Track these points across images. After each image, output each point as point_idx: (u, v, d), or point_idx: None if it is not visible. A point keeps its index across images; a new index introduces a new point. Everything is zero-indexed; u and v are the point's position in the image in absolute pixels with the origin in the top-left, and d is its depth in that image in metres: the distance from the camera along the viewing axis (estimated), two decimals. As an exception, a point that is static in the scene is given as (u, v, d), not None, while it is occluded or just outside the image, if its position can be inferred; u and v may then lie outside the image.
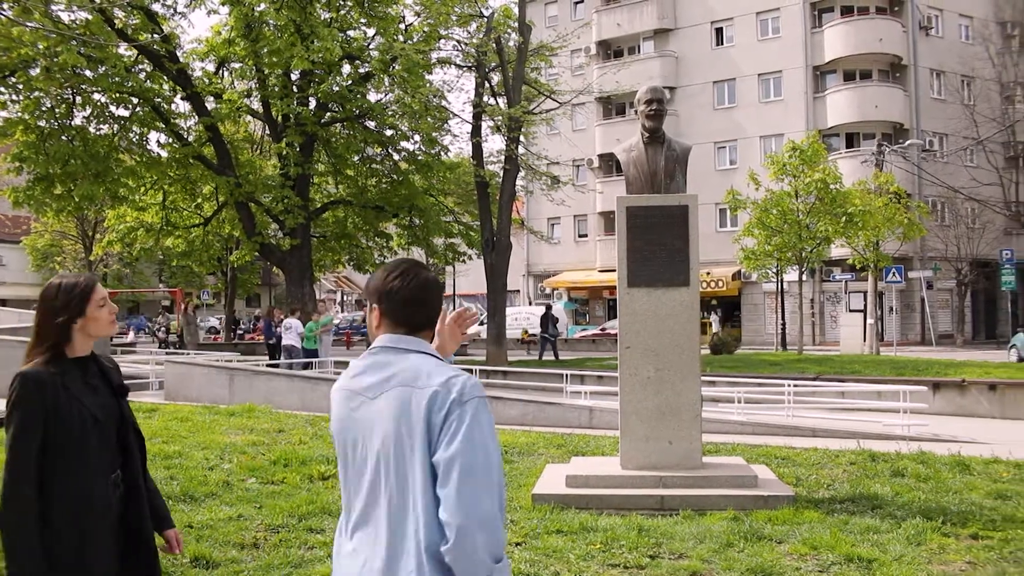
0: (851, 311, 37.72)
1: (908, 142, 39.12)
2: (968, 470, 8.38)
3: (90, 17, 20.80)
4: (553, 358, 28.40)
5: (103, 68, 22.11)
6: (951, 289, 43.56)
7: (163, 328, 41.63)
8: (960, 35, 46.37)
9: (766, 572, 5.47)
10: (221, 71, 26.49)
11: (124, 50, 23.13)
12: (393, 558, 2.28)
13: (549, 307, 32.04)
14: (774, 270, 33.03)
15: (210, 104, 25.35)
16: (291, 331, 20.93)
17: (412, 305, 2.48)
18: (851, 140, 44.18)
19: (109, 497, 3.02)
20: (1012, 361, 27.39)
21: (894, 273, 30.78)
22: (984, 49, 44.30)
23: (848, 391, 16.51)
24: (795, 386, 15.68)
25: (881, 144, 37.34)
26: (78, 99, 23.63)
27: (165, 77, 24.09)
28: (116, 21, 22.34)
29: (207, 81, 25.35)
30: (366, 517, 2.38)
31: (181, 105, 26.14)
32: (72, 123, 23.97)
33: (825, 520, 6.62)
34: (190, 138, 25.89)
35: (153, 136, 26.39)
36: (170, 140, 25.56)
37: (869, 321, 32.53)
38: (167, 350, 31.40)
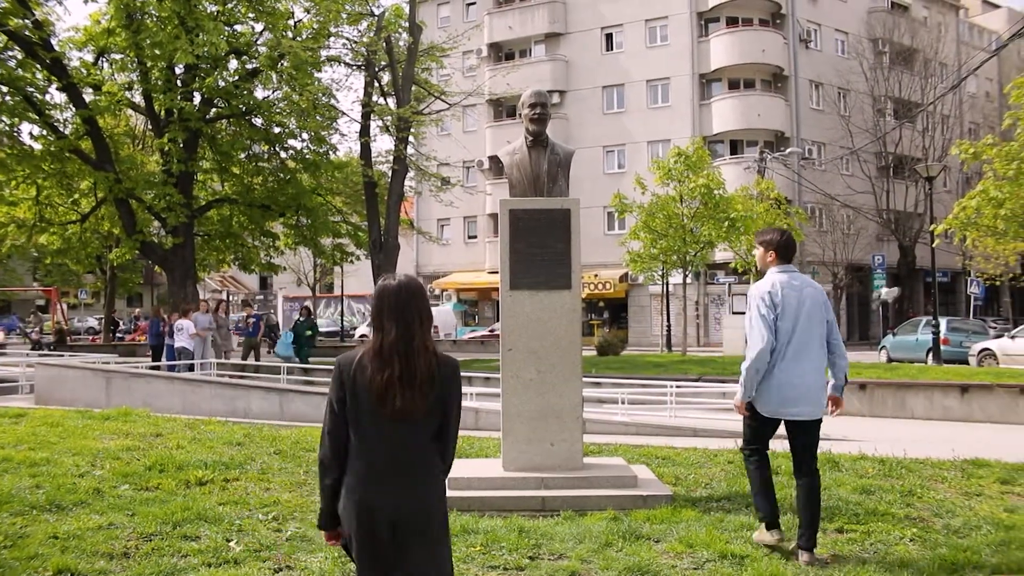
0: (734, 313, 38.66)
1: (789, 150, 40.55)
2: (837, 467, 8.68)
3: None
4: None
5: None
6: (828, 292, 45.02)
7: (36, 328, 39.90)
8: (837, 49, 48.31)
9: (643, 571, 5.55)
10: (100, 62, 25.56)
11: (-10, 35, 22.12)
12: (820, 364, 5.84)
13: None
14: (660, 273, 33.68)
15: (88, 96, 24.45)
16: (183, 332, 20.17)
17: (792, 251, 6.05)
18: (735, 147, 45.47)
19: None
20: (882, 362, 28.63)
21: (774, 277, 31.76)
22: (859, 63, 46.29)
23: (729, 391, 16.83)
24: (678, 387, 16.03)
25: (763, 151, 38.57)
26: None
27: (38, 66, 23.11)
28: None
29: (85, 72, 24.48)
30: (803, 345, 5.79)
31: (56, 96, 25.16)
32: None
33: (702, 519, 6.75)
34: (66, 131, 24.89)
35: (25, 128, 25.32)
36: (44, 132, 24.51)
37: (751, 323, 33.37)
38: (40, 351, 30.13)
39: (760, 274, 6.14)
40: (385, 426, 3.29)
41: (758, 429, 6.11)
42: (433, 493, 3.37)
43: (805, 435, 5.97)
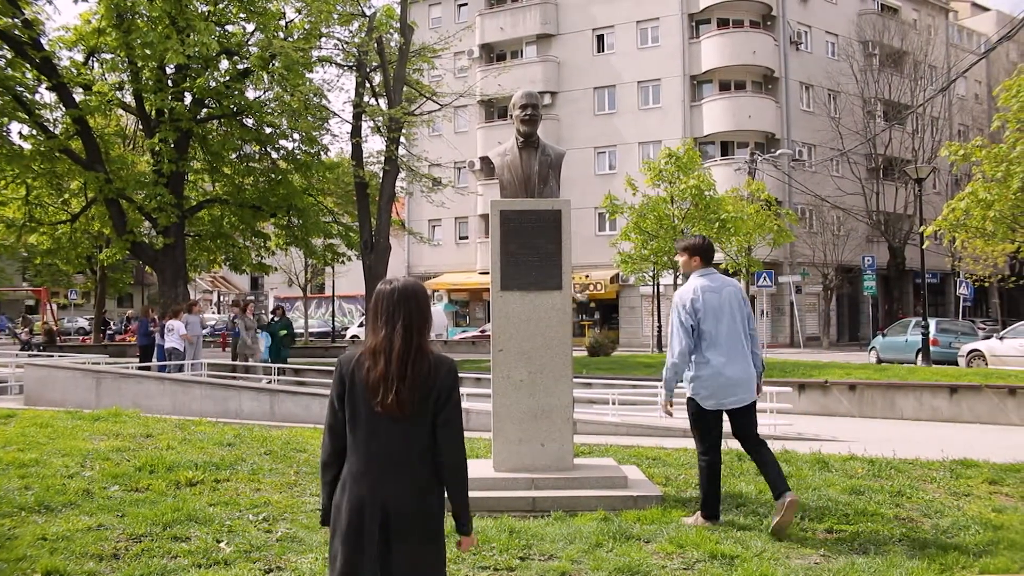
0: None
1: (779, 151, 40.67)
2: (827, 467, 8.70)
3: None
4: None
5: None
6: (818, 293, 45.35)
7: (26, 329, 39.78)
8: (827, 51, 48.46)
9: (633, 571, 5.55)
10: (90, 62, 25.41)
11: (-21, 35, 21.98)
12: (746, 357, 6.59)
13: None
14: (650, 274, 33.71)
15: (78, 96, 24.33)
16: (173, 333, 20.13)
17: (712, 255, 6.82)
18: (726, 148, 45.55)
19: None
20: (872, 362, 28.72)
21: (765, 278, 31.85)
22: (849, 65, 46.42)
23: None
24: (668, 387, 15.99)
25: (753, 153, 38.63)
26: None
27: (28, 65, 23.00)
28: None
29: (75, 71, 24.32)
30: (731, 341, 6.50)
31: (46, 95, 25.03)
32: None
33: (691, 518, 6.80)
34: (56, 130, 24.76)
35: (15, 127, 25.23)
36: (34, 132, 24.37)
37: (741, 324, 33.47)
38: (30, 352, 30.01)
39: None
40: (379, 424, 3.34)
41: (706, 427, 6.79)
42: (425, 493, 3.38)
43: (745, 417, 6.71)
